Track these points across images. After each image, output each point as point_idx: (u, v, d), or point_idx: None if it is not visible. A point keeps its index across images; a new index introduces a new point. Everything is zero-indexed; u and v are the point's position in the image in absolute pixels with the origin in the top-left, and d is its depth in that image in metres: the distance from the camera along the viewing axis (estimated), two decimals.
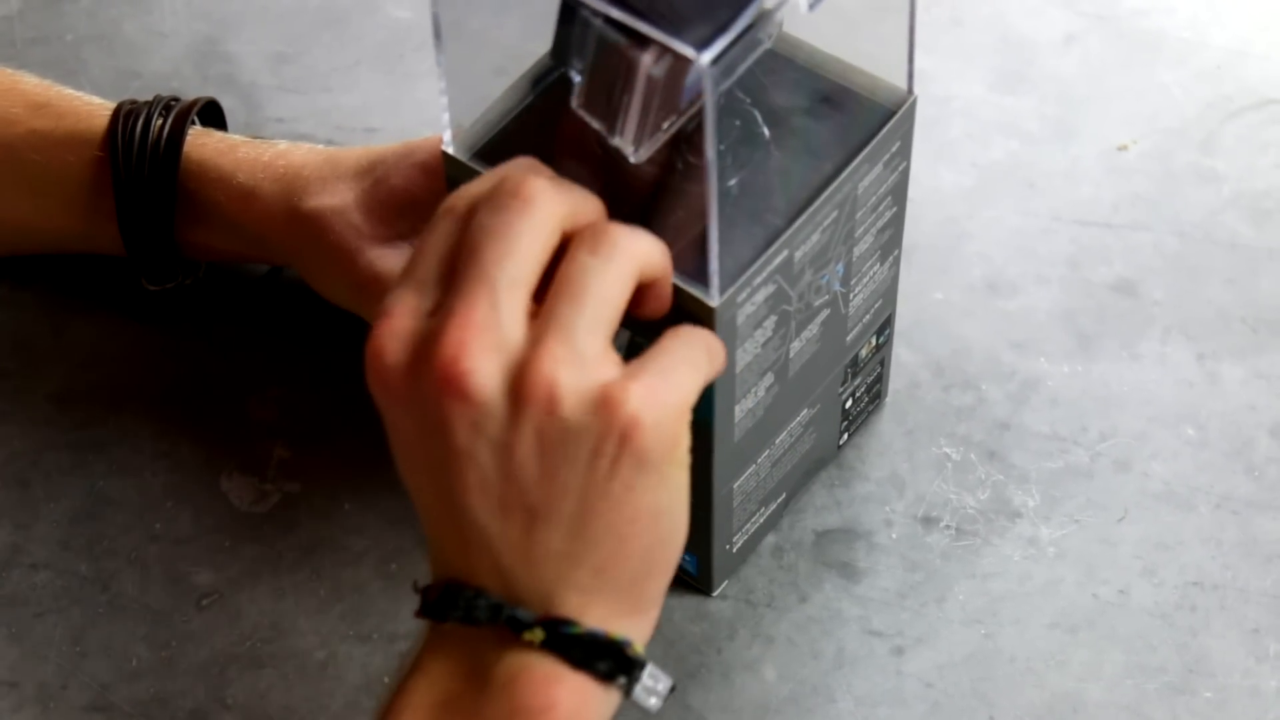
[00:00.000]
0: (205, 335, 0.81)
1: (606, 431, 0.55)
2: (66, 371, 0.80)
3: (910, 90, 0.66)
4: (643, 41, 0.58)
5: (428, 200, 0.73)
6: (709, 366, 0.60)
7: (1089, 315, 0.81)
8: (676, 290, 0.61)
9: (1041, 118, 0.88)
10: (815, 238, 0.65)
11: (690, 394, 0.58)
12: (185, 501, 0.76)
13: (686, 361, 0.58)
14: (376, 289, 0.73)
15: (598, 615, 0.57)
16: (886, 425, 0.78)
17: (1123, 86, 0.89)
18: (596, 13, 0.59)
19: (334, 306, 0.78)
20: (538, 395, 0.55)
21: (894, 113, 0.66)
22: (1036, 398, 0.79)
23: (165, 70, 0.91)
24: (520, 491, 0.56)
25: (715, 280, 0.61)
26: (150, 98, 0.78)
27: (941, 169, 0.86)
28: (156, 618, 0.73)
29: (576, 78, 0.61)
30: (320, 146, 0.78)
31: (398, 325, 0.57)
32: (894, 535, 0.75)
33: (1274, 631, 0.72)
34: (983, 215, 0.85)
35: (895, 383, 0.79)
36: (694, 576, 0.73)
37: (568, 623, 0.56)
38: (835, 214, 0.65)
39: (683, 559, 0.70)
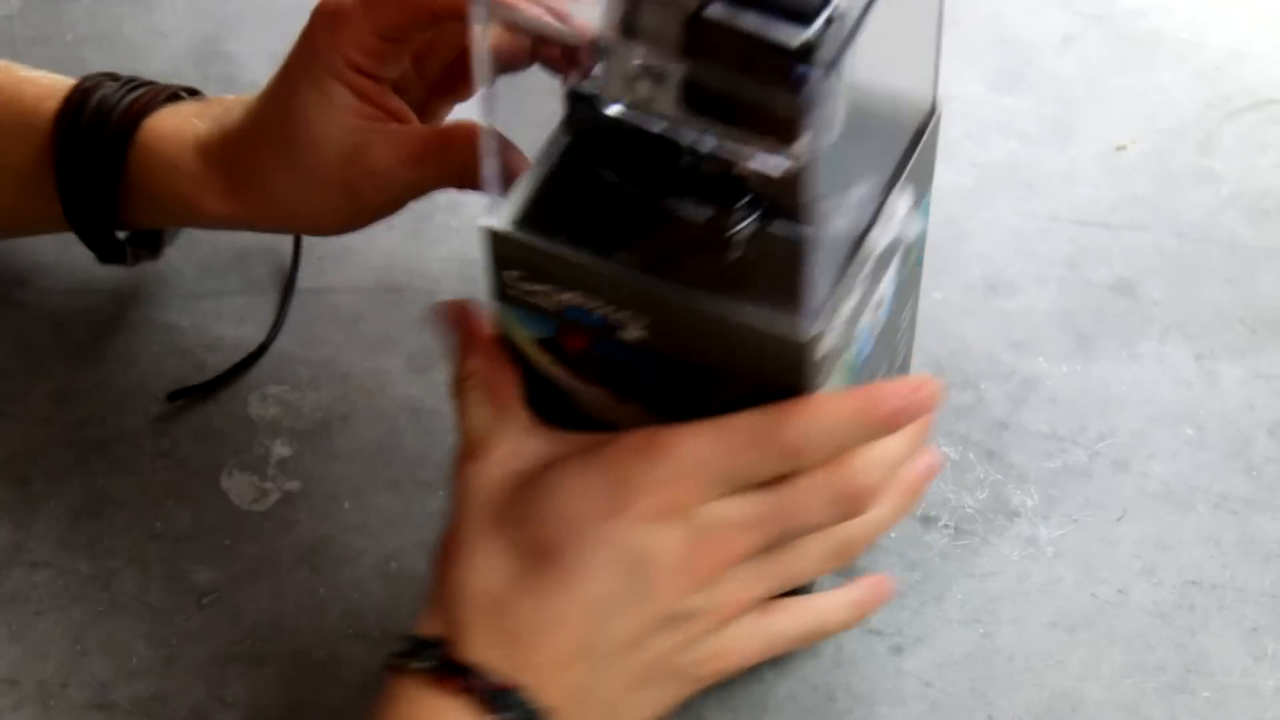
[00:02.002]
0: (205, 334, 0.81)
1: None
2: (67, 369, 0.80)
3: (936, 104, 0.65)
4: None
5: None
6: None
7: (1088, 315, 0.81)
8: (765, 335, 0.59)
9: (1040, 118, 0.88)
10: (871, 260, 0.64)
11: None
12: (185, 500, 0.76)
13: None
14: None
15: None
16: None
17: (1121, 87, 0.90)
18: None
19: (332, 304, 0.77)
20: (719, 609, 0.62)
21: (924, 128, 0.64)
22: (1035, 397, 0.79)
23: (165, 70, 0.91)
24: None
25: (808, 316, 0.59)
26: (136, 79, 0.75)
27: (941, 169, 0.86)
28: (157, 616, 0.73)
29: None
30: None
31: (692, 493, 0.60)
32: (892, 534, 0.75)
33: (1272, 631, 0.72)
34: (982, 215, 0.85)
35: None
36: None
37: None
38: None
39: None
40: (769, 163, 0.58)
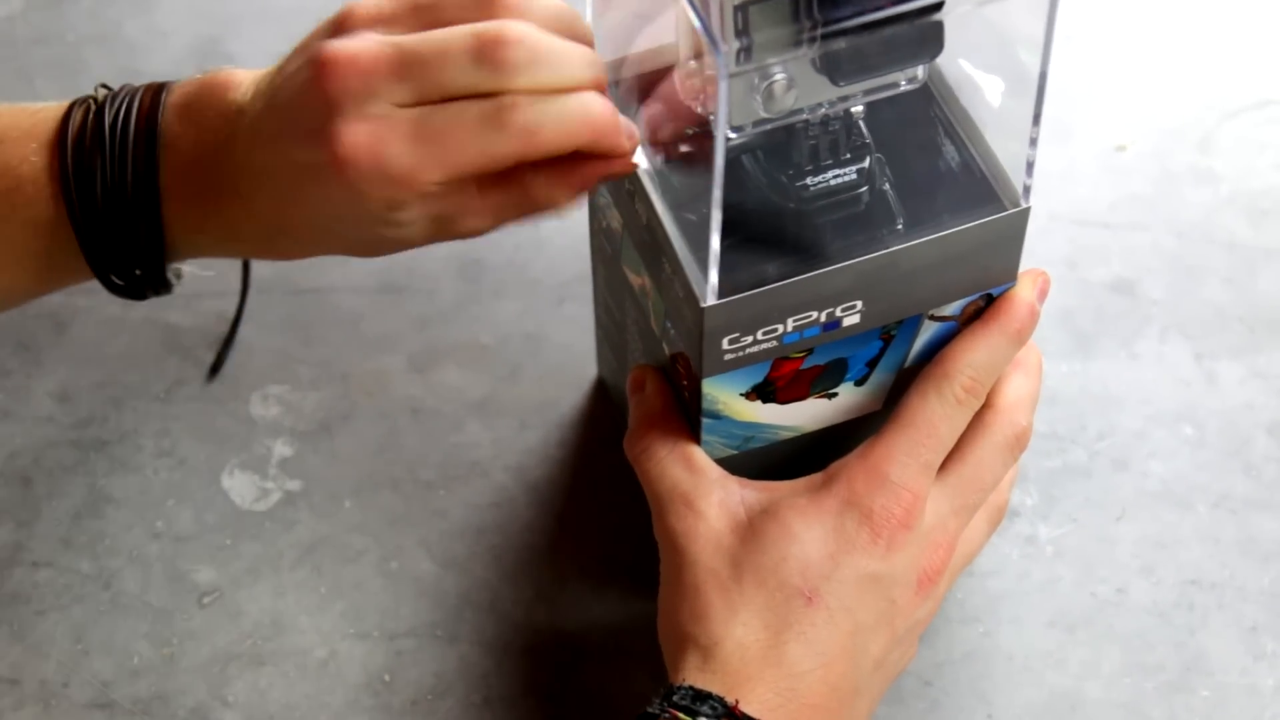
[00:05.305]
0: (206, 333, 0.81)
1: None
2: (68, 369, 0.80)
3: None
4: None
5: None
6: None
7: (1087, 314, 0.81)
8: (987, 225, 0.62)
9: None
10: None
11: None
12: (186, 499, 0.77)
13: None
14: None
15: None
16: None
17: (1121, 87, 0.90)
18: None
19: (332, 304, 0.77)
20: (934, 609, 0.66)
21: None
22: None
23: (166, 70, 0.91)
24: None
25: (1008, 185, 0.64)
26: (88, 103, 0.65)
27: None
28: (158, 615, 0.73)
29: None
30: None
31: (919, 504, 0.64)
32: None
33: (1271, 630, 0.72)
34: None
35: None
36: None
37: None
38: None
39: None
40: (905, 79, 0.62)
